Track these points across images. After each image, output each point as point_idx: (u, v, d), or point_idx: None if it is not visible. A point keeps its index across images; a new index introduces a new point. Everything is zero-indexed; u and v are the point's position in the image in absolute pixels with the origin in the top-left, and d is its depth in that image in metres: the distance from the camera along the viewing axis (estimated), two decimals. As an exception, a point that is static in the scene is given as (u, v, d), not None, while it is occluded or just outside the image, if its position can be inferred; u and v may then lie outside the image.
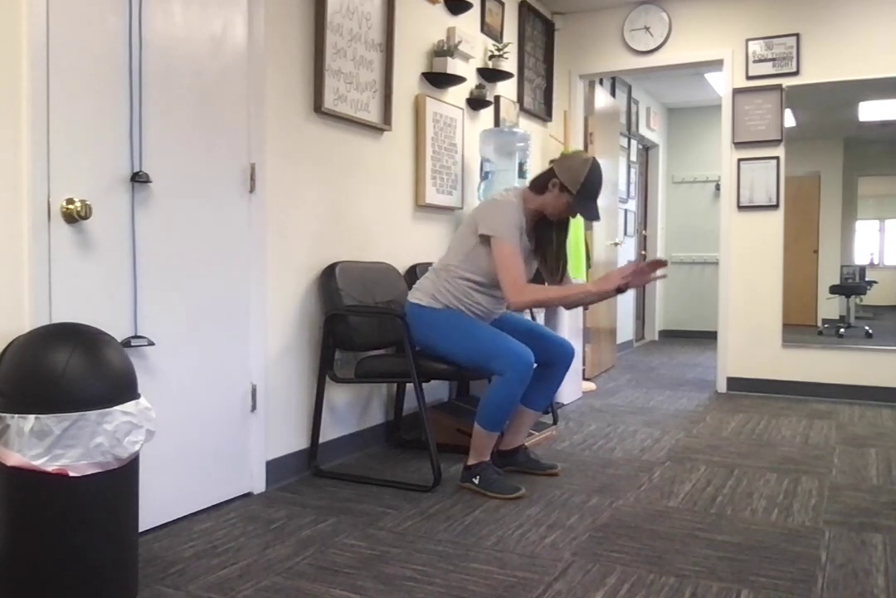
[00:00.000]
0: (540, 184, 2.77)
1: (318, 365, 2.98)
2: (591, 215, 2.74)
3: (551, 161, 2.84)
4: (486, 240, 2.70)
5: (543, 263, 2.85)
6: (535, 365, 2.70)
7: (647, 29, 4.99)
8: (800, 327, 4.83)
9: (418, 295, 2.84)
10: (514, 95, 4.69)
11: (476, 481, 2.70)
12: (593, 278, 5.30)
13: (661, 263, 2.54)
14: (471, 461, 2.75)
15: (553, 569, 2.04)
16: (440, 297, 2.79)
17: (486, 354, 2.66)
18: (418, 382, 2.78)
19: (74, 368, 1.69)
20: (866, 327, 4.78)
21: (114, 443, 1.71)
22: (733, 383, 4.87)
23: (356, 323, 2.95)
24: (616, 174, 6.09)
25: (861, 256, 4.87)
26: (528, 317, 3.68)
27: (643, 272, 2.58)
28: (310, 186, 2.98)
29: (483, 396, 2.70)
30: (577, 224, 4.57)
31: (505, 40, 4.50)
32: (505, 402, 2.64)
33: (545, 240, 2.83)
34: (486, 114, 4.37)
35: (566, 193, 2.70)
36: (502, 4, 4.49)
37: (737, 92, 4.76)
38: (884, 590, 1.92)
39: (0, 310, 1.88)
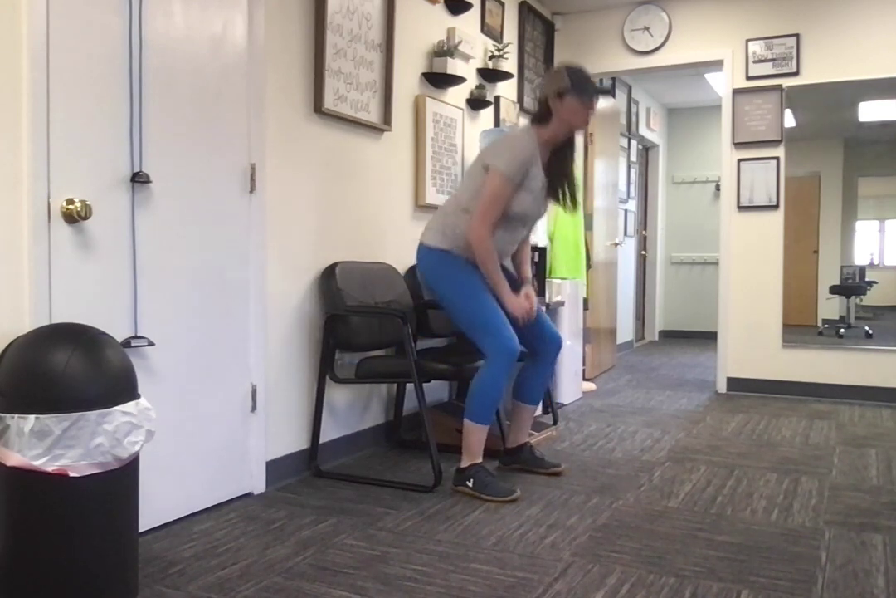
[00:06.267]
0: (541, 112, 2.73)
1: (318, 365, 2.98)
2: (599, 91, 2.70)
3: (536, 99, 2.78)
4: (487, 170, 2.66)
5: (554, 196, 2.82)
6: (522, 350, 2.74)
7: (647, 29, 4.99)
8: (800, 327, 4.83)
9: (429, 235, 2.79)
10: (514, 96, 4.69)
11: (470, 484, 2.66)
12: (593, 279, 5.33)
13: None
14: (463, 464, 2.71)
15: (553, 569, 2.04)
16: (449, 233, 2.74)
17: (482, 327, 2.66)
18: (418, 382, 2.78)
19: (74, 368, 1.69)
20: (866, 328, 4.78)
21: (114, 443, 1.71)
22: (733, 383, 4.87)
23: (356, 323, 2.95)
24: (616, 175, 6.08)
25: (861, 256, 4.87)
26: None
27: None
28: (310, 186, 2.98)
29: (469, 389, 2.70)
30: (576, 224, 4.58)
31: (505, 40, 4.50)
32: (490, 390, 2.64)
33: (557, 172, 2.79)
34: (486, 114, 4.37)
35: (568, 95, 2.65)
36: (502, 5, 4.49)
37: (737, 92, 4.76)
38: (884, 590, 1.92)
39: (0, 310, 1.88)
